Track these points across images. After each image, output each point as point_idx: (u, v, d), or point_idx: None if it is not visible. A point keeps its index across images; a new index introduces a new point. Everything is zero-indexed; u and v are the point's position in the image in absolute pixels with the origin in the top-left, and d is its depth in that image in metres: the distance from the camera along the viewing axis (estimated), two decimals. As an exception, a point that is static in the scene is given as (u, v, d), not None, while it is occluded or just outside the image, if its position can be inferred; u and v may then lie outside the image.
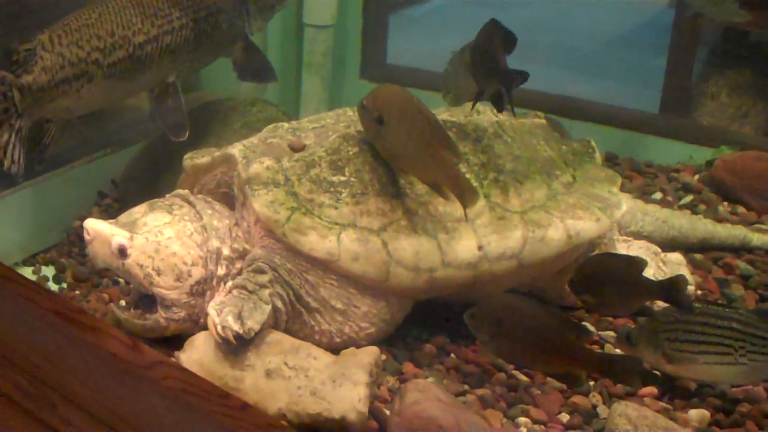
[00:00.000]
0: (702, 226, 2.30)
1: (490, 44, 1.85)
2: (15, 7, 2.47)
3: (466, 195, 1.70)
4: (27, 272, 2.37)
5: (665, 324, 1.70)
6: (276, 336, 1.75)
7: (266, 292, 1.76)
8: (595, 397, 1.75)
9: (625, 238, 2.18)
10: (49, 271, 2.37)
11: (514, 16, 4.73)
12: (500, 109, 1.91)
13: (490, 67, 1.86)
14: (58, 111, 2.14)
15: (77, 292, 2.24)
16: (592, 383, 1.78)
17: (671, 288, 1.72)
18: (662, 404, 1.72)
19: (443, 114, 2.05)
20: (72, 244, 2.46)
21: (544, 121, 2.19)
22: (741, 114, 3.02)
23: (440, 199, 1.81)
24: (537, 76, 2.54)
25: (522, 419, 1.70)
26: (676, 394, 1.76)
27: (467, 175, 1.87)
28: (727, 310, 1.71)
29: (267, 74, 2.58)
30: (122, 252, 1.83)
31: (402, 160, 1.79)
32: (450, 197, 1.74)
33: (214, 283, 1.87)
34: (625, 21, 4.59)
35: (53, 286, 2.29)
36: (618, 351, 1.83)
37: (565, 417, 1.71)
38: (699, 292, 2.12)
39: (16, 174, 2.07)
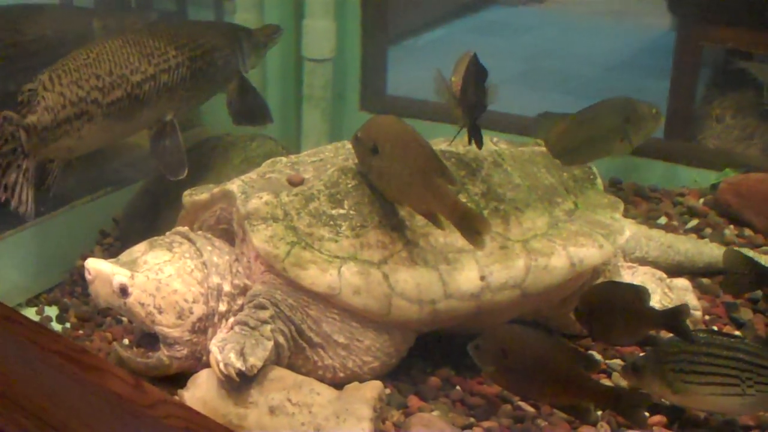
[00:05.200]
0: (708, 251, 2.29)
1: (466, 78, 1.87)
2: (12, 51, 2.48)
3: (474, 222, 1.68)
4: (30, 313, 2.36)
5: (670, 354, 1.68)
6: (279, 372, 1.74)
7: (268, 328, 1.75)
8: (604, 428, 1.73)
9: (629, 264, 2.16)
10: (52, 312, 2.36)
11: (515, 43, 4.79)
12: (470, 142, 1.91)
13: (461, 99, 1.88)
14: (60, 151, 2.14)
15: (81, 331, 2.23)
16: (600, 413, 1.76)
17: (672, 317, 1.71)
18: (671, 433, 1.70)
19: (442, 144, 2.05)
20: (75, 284, 2.46)
21: (544, 148, 2.19)
22: (746, 135, 3.00)
23: (441, 230, 1.79)
24: (540, 102, 2.54)
25: (529, 451, 1.68)
26: (685, 422, 1.74)
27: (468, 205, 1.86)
28: (732, 339, 1.68)
29: (262, 116, 2.57)
30: (123, 291, 1.82)
31: (397, 191, 1.78)
32: (445, 227, 1.73)
33: (216, 319, 1.86)
34: (627, 45, 4.60)
35: (57, 326, 2.28)
36: (623, 381, 1.81)
37: (573, 448, 1.69)
38: (707, 317, 2.10)
39: (25, 214, 2.07)
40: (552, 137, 2.32)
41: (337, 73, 3.12)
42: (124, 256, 1.90)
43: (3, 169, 2.03)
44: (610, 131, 2.28)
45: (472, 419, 1.77)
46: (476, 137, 1.88)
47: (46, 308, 2.40)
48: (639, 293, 1.76)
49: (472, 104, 1.85)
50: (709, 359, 1.65)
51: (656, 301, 1.98)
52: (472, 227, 1.68)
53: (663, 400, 1.75)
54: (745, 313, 2.10)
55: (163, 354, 1.84)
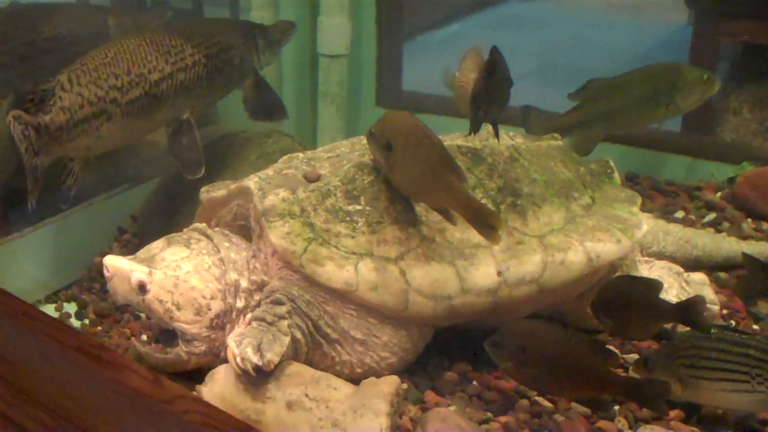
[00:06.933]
0: (726, 245, 2.28)
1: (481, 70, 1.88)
2: (28, 49, 2.50)
3: (487, 217, 1.68)
4: (49, 309, 2.39)
5: (681, 349, 1.68)
6: (296, 367, 1.74)
7: (285, 323, 1.76)
8: (621, 422, 1.73)
9: (646, 258, 2.15)
10: (71, 308, 2.38)
11: (531, 38, 4.77)
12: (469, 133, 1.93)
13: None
14: (78, 150, 2.16)
15: (99, 327, 2.25)
16: (617, 407, 1.76)
17: (688, 310, 1.70)
18: (689, 428, 1.70)
19: (458, 139, 2.05)
20: (93, 280, 2.48)
21: (560, 142, 2.18)
22: (764, 129, 2.99)
23: (457, 226, 1.80)
24: (556, 97, 2.53)
25: (547, 446, 1.68)
26: (703, 416, 1.73)
27: (484, 201, 1.86)
28: (743, 336, 1.67)
29: (278, 112, 2.59)
30: (142, 288, 1.83)
31: (410, 186, 1.79)
32: (457, 222, 1.74)
33: (234, 315, 1.87)
34: (643, 40, 4.58)
35: (75, 323, 2.30)
36: (635, 375, 1.81)
37: (590, 442, 1.69)
38: (724, 311, 2.09)
39: (30, 212, 2.09)
40: (587, 101, 2.28)
41: (353, 70, 3.12)
42: (142, 253, 1.91)
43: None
44: (653, 96, 2.23)
45: (489, 414, 1.77)
46: (476, 127, 1.88)
47: (65, 305, 2.41)
48: (653, 287, 1.75)
49: (477, 96, 1.85)
50: (720, 355, 1.64)
51: (673, 296, 1.97)
52: (484, 222, 1.68)
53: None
54: (764, 308, 2.09)
55: (181, 350, 1.85)
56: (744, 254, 2.13)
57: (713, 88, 2.30)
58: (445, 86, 2.27)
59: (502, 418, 1.75)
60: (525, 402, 1.80)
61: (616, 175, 2.16)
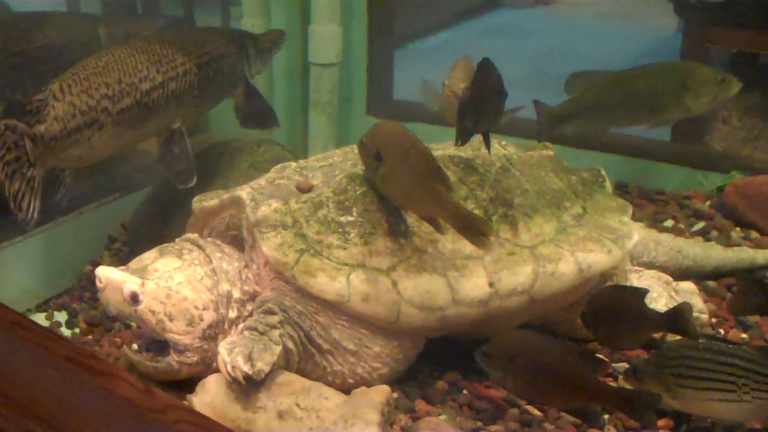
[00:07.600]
0: (716, 254, 2.28)
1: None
2: (20, 59, 2.50)
3: (477, 225, 1.68)
4: (40, 318, 2.38)
5: (670, 359, 1.69)
6: (287, 377, 1.75)
7: (276, 333, 1.76)
8: (610, 431, 1.73)
9: (636, 268, 2.16)
10: (61, 317, 2.38)
11: (522, 45, 4.78)
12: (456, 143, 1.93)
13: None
14: (70, 160, 2.16)
15: (90, 336, 2.25)
16: (606, 417, 1.77)
17: (676, 317, 1.72)
18: (678, 437, 1.71)
19: (450, 148, 2.05)
20: (84, 289, 2.48)
21: (552, 152, 2.19)
22: (753, 137, 3.00)
23: (449, 237, 1.80)
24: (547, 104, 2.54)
25: (537, 455, 1.69)
26: (691, 426, 1.74)
27: (476, 211, 1.86)
28: (730, 346, 1.69)
29: (269, 119, 2.60)
30: (134, 299, 1.83)
31: (400, 196, 1.79)
32: (445, 231, 1.74)
33: (226, 326, 1.87)
34: (634, 47, 4.60)
35: (66, 332, 2.30)
36: (625, 385, 1.82)
37: (580, 452, 1.70)
38: (713, 320, 2.10)
39: (27, 223, 2.08)
40: (585, 92, 2.24)
41: (344, 78, 3.13)
42: (134, 263, 1.91)
43: (8, 178, 2.04)
44: (660, 93, 2.20)
45: (479, 423, 1.78)
46: (462, 138, 1.89)
47: (56, 313, 2.41)
48: (641, 295, 1.76)
49: (463, 107, 1.86)
50: (707, 364, 1.65)
51: (662, 305, 1.98)
52: (475, 230, 1.68)
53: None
54: (752, 316, 2.10)
55: (173, 359, 1.85)
56: (738, 272, 2.14)
57: (729, 90, 2.26)
58: (424, 98, 2.24)
59: (492, 427, 1.76)
60: (515, 411, 1.80)
61: (608, 183, 2.17)
